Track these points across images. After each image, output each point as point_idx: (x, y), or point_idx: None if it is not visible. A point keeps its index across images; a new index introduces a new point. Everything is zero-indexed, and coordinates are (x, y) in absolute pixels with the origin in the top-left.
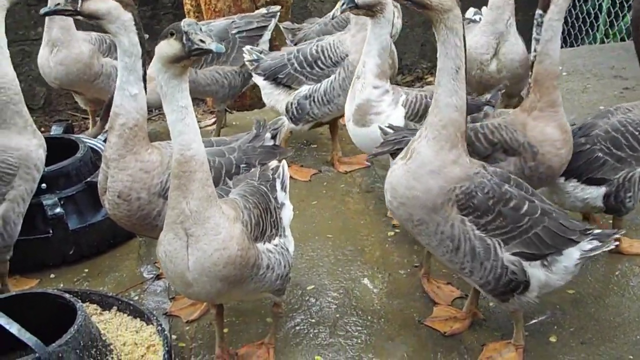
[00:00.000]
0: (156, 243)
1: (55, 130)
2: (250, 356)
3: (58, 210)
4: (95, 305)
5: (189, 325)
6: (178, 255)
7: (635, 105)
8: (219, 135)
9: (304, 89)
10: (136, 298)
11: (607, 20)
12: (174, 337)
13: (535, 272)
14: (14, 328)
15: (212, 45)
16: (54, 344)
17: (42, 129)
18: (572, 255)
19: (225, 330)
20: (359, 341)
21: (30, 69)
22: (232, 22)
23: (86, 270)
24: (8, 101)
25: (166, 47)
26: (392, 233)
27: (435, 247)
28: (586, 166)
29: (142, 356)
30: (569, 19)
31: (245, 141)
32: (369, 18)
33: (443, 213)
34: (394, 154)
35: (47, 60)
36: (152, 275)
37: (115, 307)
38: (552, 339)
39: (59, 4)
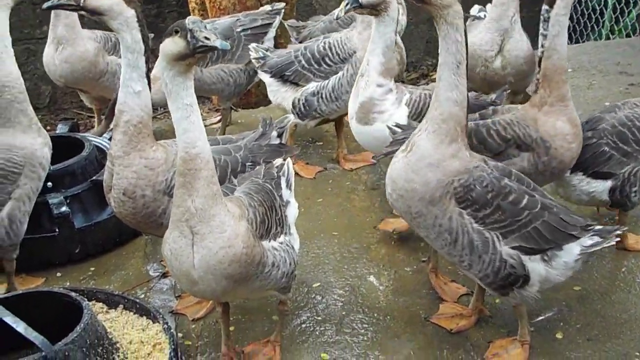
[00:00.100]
0: (162, 241)
1: (61, 128)
2: (257, 354)
3: (64, 208)
4: (101, 303)
5: (195, 324)
6: (183, 253)
7: None
8: (224, 133)
9: (312, 86)
10: (142, 296)
11: (613, 16)
12: (180, 335)
13: (535, 266)
14: (20, 327)
15: (217, 42)
16: (60, 343)
17: (48, 128)
18: (572, 251)
19: (232, 328)
20: (365, 338)
21: (35, 67)
22: (237, 19)
23: (92, 268)
24: (13, 100)
25: (171, 45)
26: (398, 230)
27: (434, 240)
28: (592, 160)
29: (149, 354)
30: (574, 15)
31: (252, 139)
32: (373, 17)
33: (441, 206)
34: None
35: (52, 58)
36: (158, 274)
37: (121, 306)
38: (559, 336)
39: None
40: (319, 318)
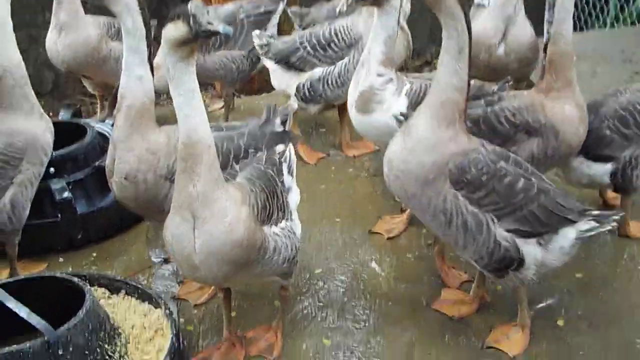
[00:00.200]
0: (164, 227)
1: (64, 114)
2: (258, 339)
3: (66, 194)
4: (103, 288)
5: (197, 309)
6: (185, 238)
7: None
8: (227, 120)
9: (317, 72)
10: (144, 282)
11: (618, 4)
12: (182, 320)
13: (531, 249)
14: (23, 312)
15: (220, 27)
16: (62, 327)
17: (51, 114)
18: (568, 235)
19: (233, 313)
20: (367, 324)
21: (37, 53)
22: (240, 6)
23: (94, 254)
24: (14, 84)
25: (173, 30)
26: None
27: (429, 222)
28: (593, 143)
29: (150, 339)
30: (578, 3)
31: (255, 126)
32: (375, 7)
33: (435, 187)
34: None
35: (55, 43)
36: (160, 259)
37: (123, 291)
38: (560, 323)
39: None
40: (321, 304)
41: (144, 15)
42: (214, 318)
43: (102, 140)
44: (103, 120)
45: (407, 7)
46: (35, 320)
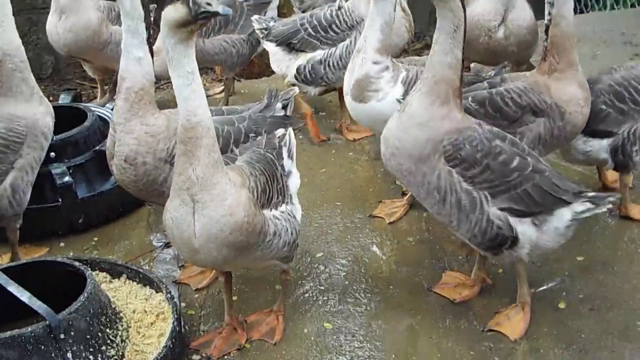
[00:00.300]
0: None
1: (64, 99)
2: (260, 323)
3: (67, 179)
4: (104, 273)
5: (198, 293)
6: (184, 221)
7: (637, 64)
8: (227, 104)
9: (319, 54)
10: (145, 266)
11: None
12: (183, 304)
13: (525, 228)
14: (24, 296)
15: (219, 7)
16: (64, 312)
17: (51, 98)
18: (563, 216)
19: (235, 297)
20: (368, 308)
21: (37, 38)
22: None
23: (95, 238)
24: (14, 69)
25: (172, 12)
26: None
27: (424, 199)
28: (589, 118)
29: (152, 323)
30: None
31: (256, 111)
32: None
33: (429, 163)
34: None
35: (56, 27)
36: (161, 244)
37: (124, 275)
38: (561, 306)
39: None
40: (322, 288)
41: None
42: (215, 302)
43: (103, 125)
44: (104, 105)
45: None
46: (36, 304)
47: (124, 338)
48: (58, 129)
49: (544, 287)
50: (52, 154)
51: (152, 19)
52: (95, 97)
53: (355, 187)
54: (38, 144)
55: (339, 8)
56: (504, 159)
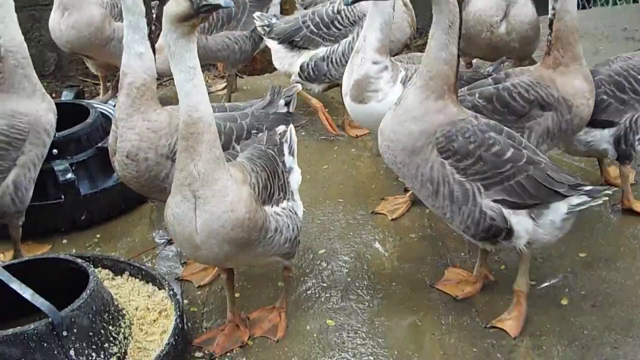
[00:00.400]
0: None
1: (66, 95)
2: (262, 320)
3: (69, 175)
4: (107, 270)
5: (201, 290)
6: (186, 217)
7: (634, 54)
8: (229, 100)
9: (321, 50)
10: (148, 263)
11: None
12: (185, 301)
13: (521, 219)
14: (27, 293)
15: (220, 0)
16: (66, 309)
17: (53, 95)
18: (559, 210)
19: (237, 294)
20: (371, 305)
21: (40, 34)
22: None
23: (98, 235)
24: (16, 65)
25: (174, 6)
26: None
27: (418, 191)
28: None
29: (154, 320)
30: None
31: (259, 107)
32: None
33: (423, 155)
34: None
35: (58, 23)
36: (163, 240)
37: (127, 272)
38: (564, 302)
39: None
40: (325, 284)
41: None
42: (217, 299)
43: (105, 122)
44: (106, 102)
45: None
46: (39, 301)
47: (126, 335)
48: (60, 125)
49: (547, 284)
50: (55, 150)
51: (153, 15)
52: (98, 94)
53: (358, 184)
54: (40, 141)
55: (338, 12)
56: (497, 150)
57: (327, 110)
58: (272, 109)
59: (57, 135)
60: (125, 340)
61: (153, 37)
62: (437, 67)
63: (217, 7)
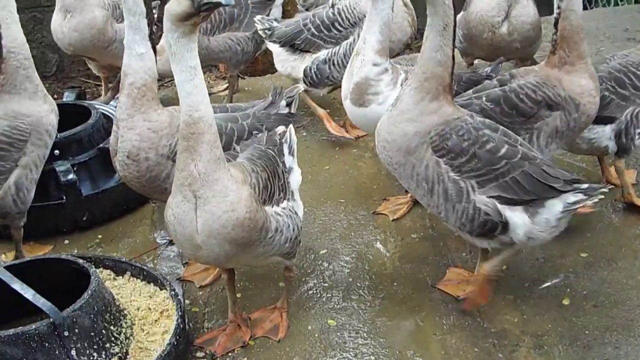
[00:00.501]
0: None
1: (68, 96)
2: (264, 320)
3: (71, 176)
4: (109, 270)
5: (202, 290)
6: (187, 217)
7: (630, 51)
8: (231, 101)
9: (323, 53)
10: (150, 264)
11: None
12: (187, 302)
13: (515, 214)
14: (28, 294)
15: None
16: (68, 309)
17: (55, 96)
18: (554, 207)
19: (238, 295)
20: (372, 305)
21: (42, 35)
22: None
23: (99, 236)
24: (18, 66)
25: (175, 5)
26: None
27: (414, 191)
28: None
29: (156, 321)
30: None
31: (261, 108)
32: None
33: (418, 155)
34: None
35: (61, 26)
36: (165, 241)
37: (128, 273)
38: (565, 302)
39: None
40: (326, 285)
41: None
42: (219, 299)
43: (107, 122)
44: (107, 102)
45: None
46: (40, 302)
47: (128, 335)
48: (62, 126)
49: (548, 284)
50: (56, 151)
51: (155, 16)
52: (100, 95)
53: (359, 184)
54: (42, 142)
55: (332, 5)
56: (491, 147)
57: (328, 111)
58: (273, 109)
59: (58, 136)
60: (127, 341)
61: (154, 38)
62: (431, 68)
63: (218, 4)
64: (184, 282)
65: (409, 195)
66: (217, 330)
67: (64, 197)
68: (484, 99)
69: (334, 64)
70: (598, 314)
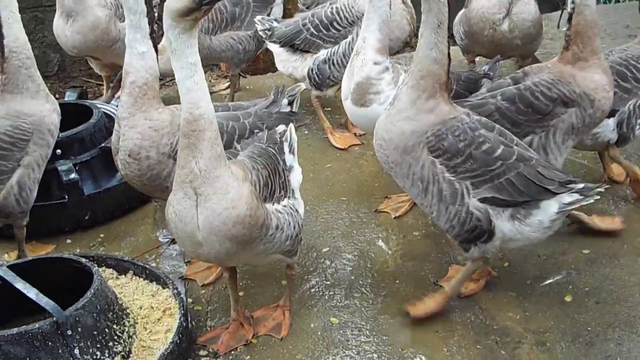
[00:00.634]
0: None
1: (70, 96)
2: (266, 319)
3: (73, 175)
4: (111, 269)
5: (205, 289)
6: (187, 214)
7: (628, 46)
8: (232, 100)
9: (323, 53)
10: (152, 262)
11: None
12: (189, 300)
13: (503, 222)
14: (32, 293)
15: None
16: (71, 308)
17: (57, 96)
18: (549, 208)
19: (241, 293)
20: (374, 302)
21: (43, 35)
22: None
23: (102, 235)
24: (20, 65)
25: (176, 1)
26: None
27: (409, 189)
28: None
29: (159, 319)
30: None
31: (262, 107)
32: None
33: (414, 154)
34: None
35: (64, 30)
36: (167, 240)
37: (131, 271)
38: (567, 299)
39: None
40: (328, 282)
41: None
42: (222, 298)
43: (109, 122)
44: (108, 101)
45: None
46: (43, 301)
47: (130, 334)
48: (64, 126)
49: (550, 281)
50: (59, 151)
51: (156, 14)
52: (101, 95)
53: (361, 182)
54: (44, 141)
55: (330, 3)
56: (487, 148)
57: (329, 108)
58: (275, 108)
59: (60, 136)
60: (130, 339)
61: (155, 37)
62: (427, 66)
63: None
64: (186, 281)
65: None
66: (219, 329)
67: (66, 197)
68: (499, 97)
69: (334, 64)
70: (600, 311)
